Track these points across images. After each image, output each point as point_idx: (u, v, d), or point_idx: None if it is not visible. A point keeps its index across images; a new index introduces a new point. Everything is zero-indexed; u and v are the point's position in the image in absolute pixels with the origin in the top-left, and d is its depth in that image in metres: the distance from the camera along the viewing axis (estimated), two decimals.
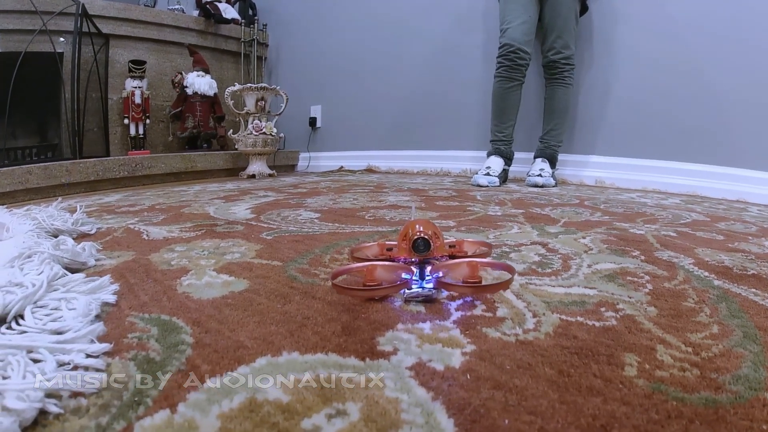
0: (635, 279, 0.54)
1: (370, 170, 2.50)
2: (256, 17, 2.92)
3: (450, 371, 0.32)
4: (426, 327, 0.39)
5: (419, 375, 0.32)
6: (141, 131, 2.31)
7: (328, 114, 2.80)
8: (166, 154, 2.24)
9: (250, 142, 2.20)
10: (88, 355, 0.34)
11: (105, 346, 0.35)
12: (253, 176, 2.24)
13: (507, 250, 0.67)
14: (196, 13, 2.68)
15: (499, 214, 1.01)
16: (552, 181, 1.66)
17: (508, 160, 1.76)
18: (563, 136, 1.76)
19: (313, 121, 2.83)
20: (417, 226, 0.49)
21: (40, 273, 0.54)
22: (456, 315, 0.42)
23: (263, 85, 2.19)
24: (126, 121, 2.29)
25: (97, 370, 0.33)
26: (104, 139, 2.33)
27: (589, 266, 0.59)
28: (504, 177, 1.74)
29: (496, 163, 1.71)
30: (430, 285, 0.45)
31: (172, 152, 2.45)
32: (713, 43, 1.53)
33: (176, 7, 2.59)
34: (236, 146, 2.27)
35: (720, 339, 0.38)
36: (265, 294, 0.48)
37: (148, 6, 2.49)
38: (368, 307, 0.44)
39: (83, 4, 2.13)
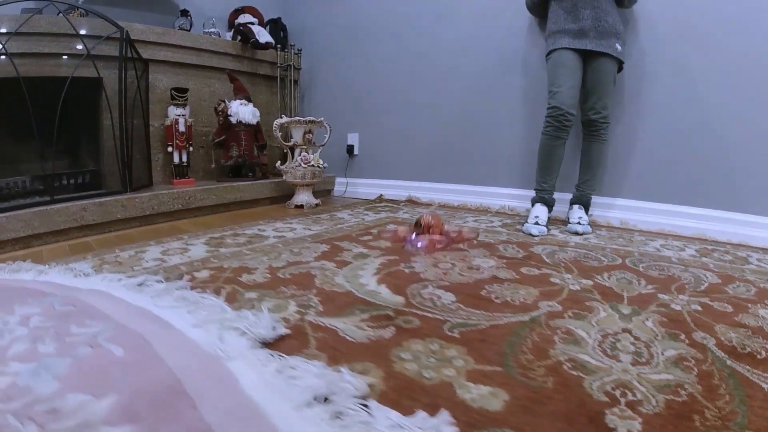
0: (688, 364, 0.75)
1: (410, 201, 2.61)
2: (289, 42, 2.93)
3: None
4: None
5: None
6: (185, 159, 2.32)
7: (365, 142, 2.88)
8: (216, 185, 2.28)
9: (299, 174, 2.28)
10: None
11: None
12: (300, 206, 2.33)
13: (612, 340, 0.84)
14: (228, 35, 2.66)
15: (577, 288, 1.13)
16: (589, 229, 1.88)
17: (551, 207, 1.99)
18: (597, 186, 2.00)
19: (350, 149, 2.90)
20: (425, 215, 0.88)
21: None
22: None
23: (311, 118, 2.27)
24: (170, 149, 2.29)
25: None
26: (147, 166, 2.32)
27: (662, 353, 0.79)
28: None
29: (543, 212, 1.91)
30: (408, 246, 0.86)
31: (213, 179, 2.48)
32: (725, 96, 1.76)
33: (212, 30, 2.56)
34: (285, 177, 2.34)
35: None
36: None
37: (183, 29, 2.46)
38: None
39: (127, 31, 2.10)
